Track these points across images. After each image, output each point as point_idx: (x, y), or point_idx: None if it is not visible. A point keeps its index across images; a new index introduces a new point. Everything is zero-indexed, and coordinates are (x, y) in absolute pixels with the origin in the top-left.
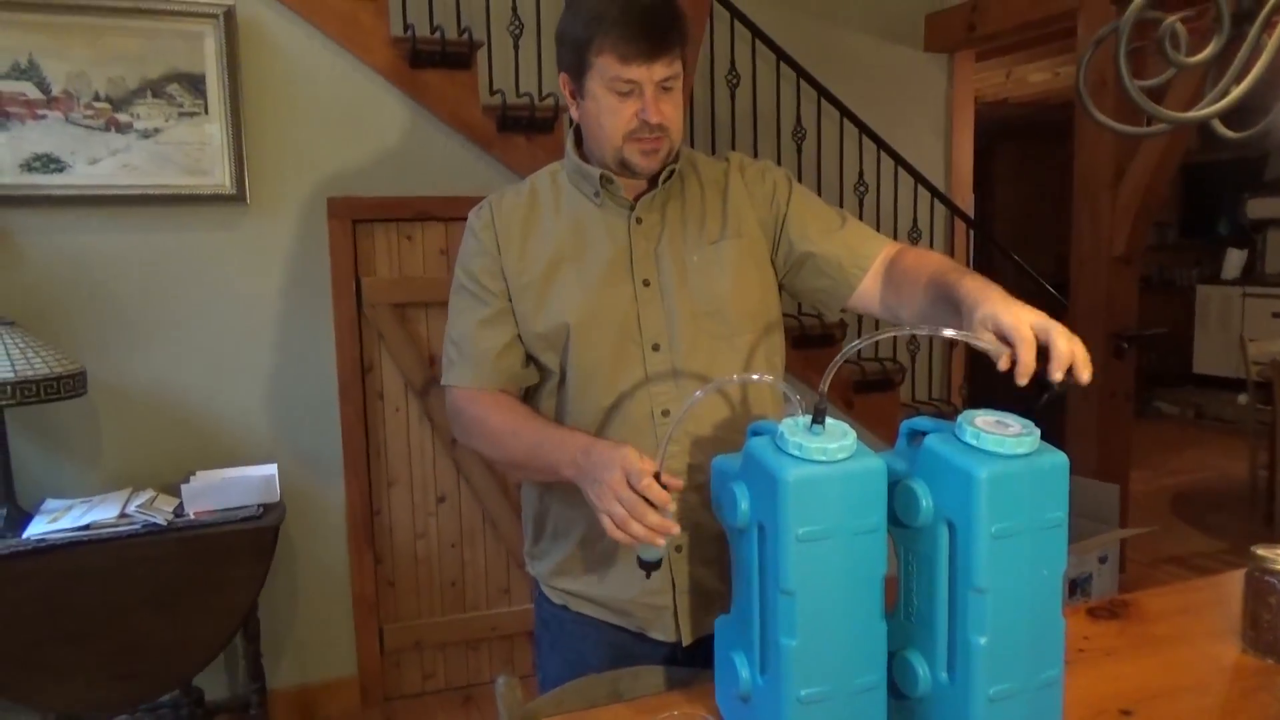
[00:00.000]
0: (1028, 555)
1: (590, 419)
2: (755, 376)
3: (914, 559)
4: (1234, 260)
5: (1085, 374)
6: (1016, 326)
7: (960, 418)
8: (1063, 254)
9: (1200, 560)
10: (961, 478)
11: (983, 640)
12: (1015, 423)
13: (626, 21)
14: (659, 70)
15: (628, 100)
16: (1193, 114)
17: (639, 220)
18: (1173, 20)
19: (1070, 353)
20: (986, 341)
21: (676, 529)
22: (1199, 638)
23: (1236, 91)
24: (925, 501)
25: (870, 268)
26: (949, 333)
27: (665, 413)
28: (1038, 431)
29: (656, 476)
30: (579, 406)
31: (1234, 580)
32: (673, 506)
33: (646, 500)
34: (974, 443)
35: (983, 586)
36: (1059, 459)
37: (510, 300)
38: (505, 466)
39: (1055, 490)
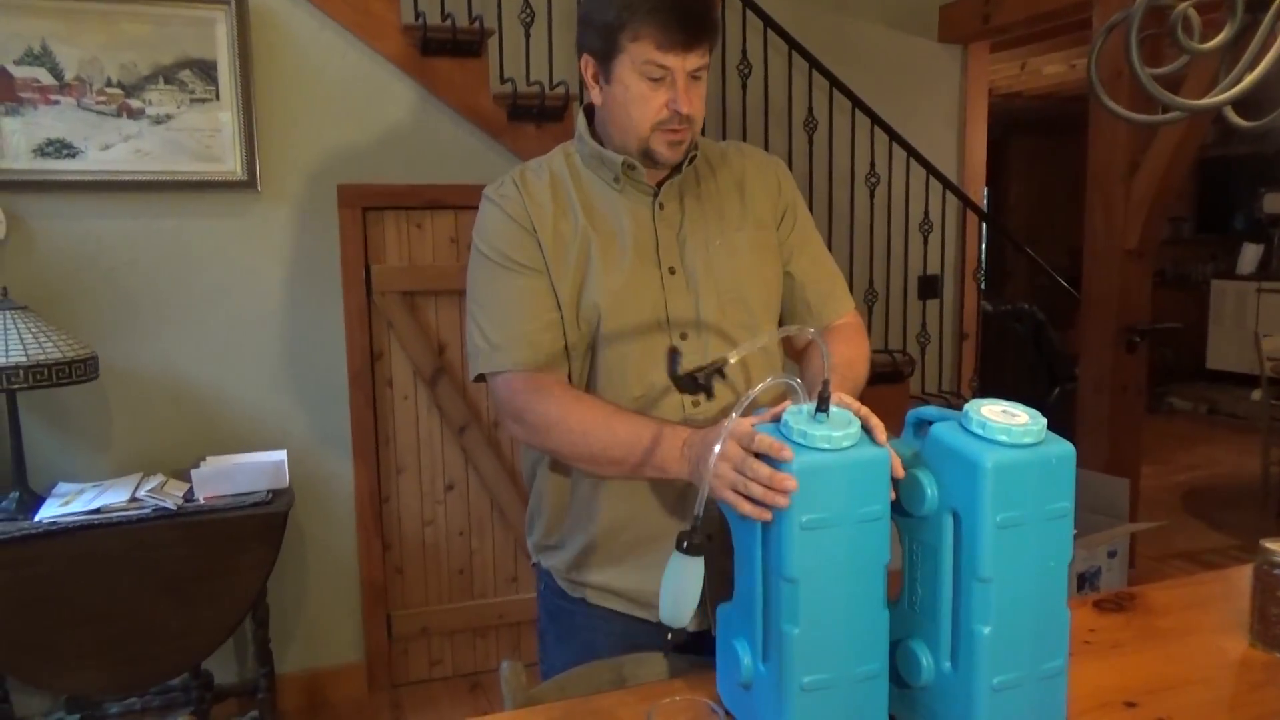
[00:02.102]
0: (1032, 545)
1: None
2: (795, 381)
3: (918, 548)
4: (1249, 255)
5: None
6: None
7: (967, 407)
8: (1076, 248)
9: (1211, 556)
10: (967, 466)
11: (986, 630)
12: (1022, 412)
13: (668, 8)
14: (693, 60)
15: (659, 88)
16: (1205, 101)
17: (661, 206)
18: (1185, 6)
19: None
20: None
21: (793, 482)
22: (1206, 631)
23: (1249, 79)
24: (930, 490)
25: (831, 322)
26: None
27: (695, 403)
28: (1044, 421)
29: None
30: (609, 398)
31: (1242, 574)
32: (788, 454)
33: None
34: (980, 432)
35: (987, 576)
36: (1065, 449)
37: (549, 276)
38: (587, 462)
39: (1061, 480)
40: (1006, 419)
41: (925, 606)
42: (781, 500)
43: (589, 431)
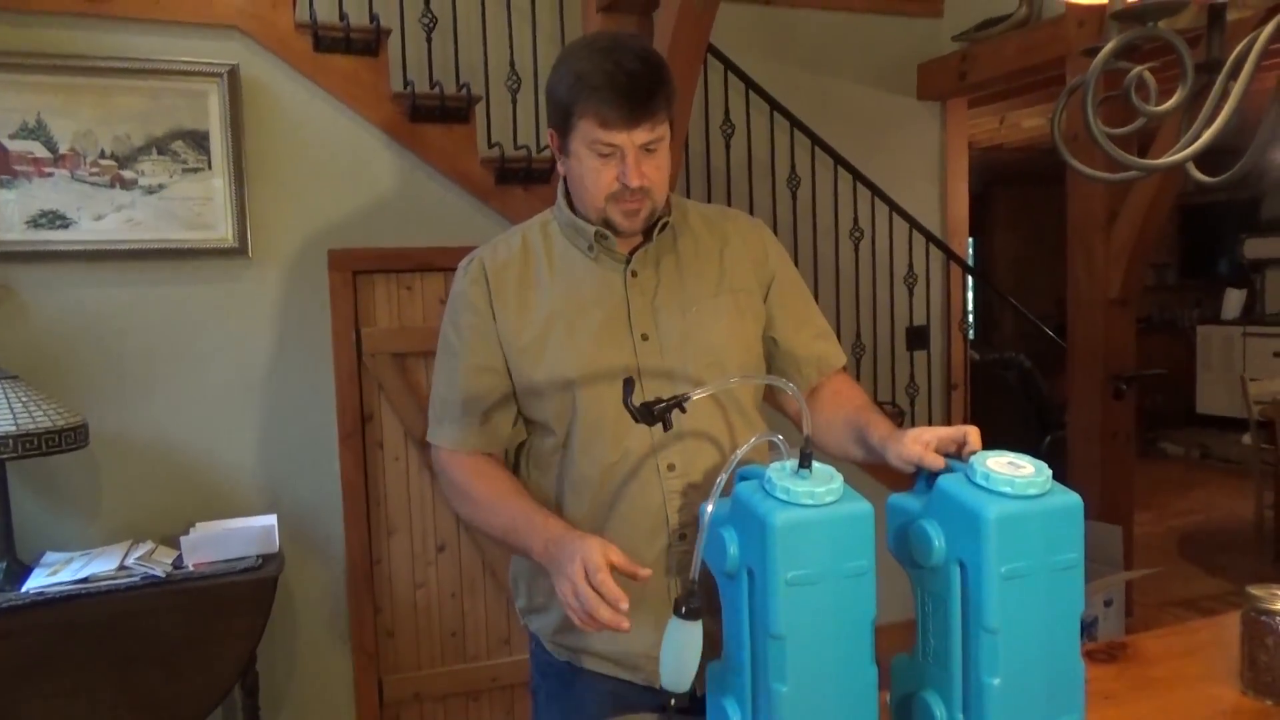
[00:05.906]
0: (1040, 596)
1: (596, 476)
2: (779, 437)
3: (929, 599)
4: (1233, 300)
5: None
6: (922, 456)
7: (973, 459)
8: (1062, 297)
9: (1207, 602)
10: (970, 518)
11: (996, 681)
12: (1028, 464)
13: (609, 87)
14: (640, 135)
15: (609, 162)
16: (1162, 160)
17: (634, 274)
18: (1140, 69)
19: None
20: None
21: (626, 625)
22: (1198, 680)
23: (1206, 136)
24: (938, 541)
25: (825, 376)
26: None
27: (671, 466)
28: (1049, 472)
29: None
30: (585, 463)
31: (1233, 621)
32: (624, 606)
33: (602, 595)
34: (984, 483)
35: (994, 627)
36: (1071, 500)
37: (504, 358)
38: (482, 536)
39: (1068, 531)
40: (1011, 470)
41: (938, 658)
42: (596, 624)
43: (481, 508)
